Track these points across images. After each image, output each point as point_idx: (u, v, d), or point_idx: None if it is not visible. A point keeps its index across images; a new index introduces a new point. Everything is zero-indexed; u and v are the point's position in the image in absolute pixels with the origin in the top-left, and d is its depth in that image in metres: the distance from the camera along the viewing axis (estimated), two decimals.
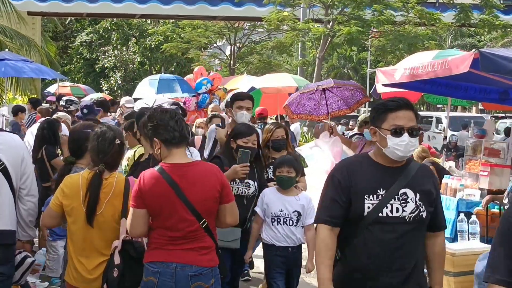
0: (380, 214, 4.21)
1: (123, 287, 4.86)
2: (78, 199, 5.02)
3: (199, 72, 19.50)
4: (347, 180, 4.29)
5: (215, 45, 39.95)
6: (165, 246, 4.74)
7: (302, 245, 6.90)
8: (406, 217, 4.24)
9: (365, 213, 4.22)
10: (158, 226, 4.76)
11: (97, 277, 5.00)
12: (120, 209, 4.98)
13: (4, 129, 9.41)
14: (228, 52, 40.04)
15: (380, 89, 11.75)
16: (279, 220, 6.69)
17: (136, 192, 4.72)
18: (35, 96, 20.43)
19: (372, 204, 4.23)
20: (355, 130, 14.18)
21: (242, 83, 21.39)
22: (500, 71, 7.82)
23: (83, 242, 5.06)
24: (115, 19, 50.48)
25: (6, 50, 17.14)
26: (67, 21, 56.28)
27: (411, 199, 4.26)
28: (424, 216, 4.30)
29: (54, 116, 12.67)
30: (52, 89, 35.79)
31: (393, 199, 4.23)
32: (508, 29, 27.81)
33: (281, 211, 6.70)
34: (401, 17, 26.87)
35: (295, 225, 6.71)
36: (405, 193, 4.26)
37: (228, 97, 19.04)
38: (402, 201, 4.25)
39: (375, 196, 4.24)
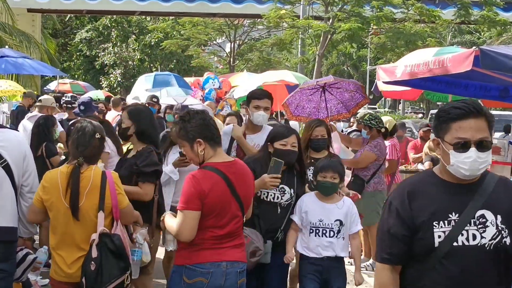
0: (455, 244, 3.49)
1: (101, 280, 4.87)
2: (57, 193, 5.08)
3: (196, 83, 19.98)
4: (407, 209, 3.57)
5: (215, 42, 39.89)
6: (213, 246, 4.73)
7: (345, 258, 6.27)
8: (486, 245, 3.52)
9: (436, 244, 3.50)
10: (211, 225, 4.72)
11: (76, 271, 5.04)
12: (97, 202, 5.01)
13: (5, 126, 9.40)
14: (228, 49, 40.02)
15: (381, 86, 11.75)
16: (317, 231, 6.05)
17: (192, 194, 4.64)
18: (36, 93, 20.40)
19: (444, 232, 3.50)
20: (354, 127, 14.16)
21: (242, 79, 21.42)
22: (501, 69, 7.82)
23: (63, 236, 5.11)
24: (114, 16, 50.50)
25: (6, 47, 17.14)
26: (67, 18, 56.30)
27: (490, 222, 3.53)
28: (508, 243, 3.54)
29: (37, 103, 12.53)
30: (52, 86, 35.83)
31: (468, 224, 3.51)
32: (508, 26, 27.81)
33: (321, 221, 6.05)
34: (401, 14, 26.87)
35: (335, 236, 6.05)
36: (482, 216, 3.53)
37: (231, 92, 19.05)
38: (480, 226, 3.52)
39: (446, 222, 3.52)
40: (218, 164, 4.77)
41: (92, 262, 4.88)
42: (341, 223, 6.07)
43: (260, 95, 7.25)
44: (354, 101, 10.62)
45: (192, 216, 4.64)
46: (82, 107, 12.67)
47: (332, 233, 6.04)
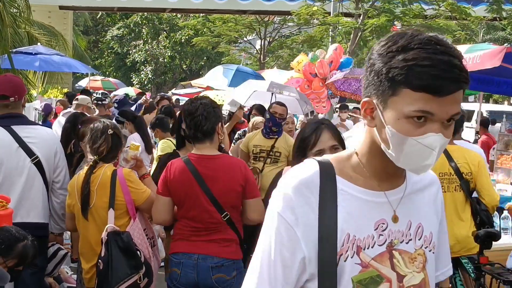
0: None
1: (111, 280, 4.77)
2: (75, 196, 5.09)
3: None
4: None
5: (245, 39, 39.89)
6: (188, 237, 4.77)
7: None
8: None
9: None
10: (182, 216, 4.81)
11: (91, 275, 5.06)
12: (108, 200, 4.98)
13: (37, 122, 9.49)
14: (258, 46, 40.00)
15: None
16: None
17: (162, 179, 4.79)
18: (66, 90, 20.58)
19: None
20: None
21: (272, 76, 21.20)
22: None
23: (83, 240, 5.14)
24: (145, 13, 50.71)
25: (38, 44, 17.29)
26: (98, 16, 56.67)
27: None
28: None
29: (74, 101, 12.70)
30: (83, 83, 36.05)
31: None
32: None
33: None
34: (432, 11, 26.68)
35: None
36: None
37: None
38: None
39: None
40: (193, 156, 4.80)
41: (100, 261, 4.83)
42: None
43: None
44: None
45: (160, 200, 4.81)
46: (116, 104, 12.75)
47: None
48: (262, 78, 17.62)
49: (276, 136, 8.14)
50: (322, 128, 3.61)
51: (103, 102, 13.25)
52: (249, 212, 4.86)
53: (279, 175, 7.01)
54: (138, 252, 4.88)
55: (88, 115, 10.15)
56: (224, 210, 4.76)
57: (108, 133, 5.09)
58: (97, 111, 12.94)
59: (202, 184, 4.72)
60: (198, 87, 22.85)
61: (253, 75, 17.88)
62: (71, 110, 11.36)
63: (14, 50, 14.07)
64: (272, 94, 11.70)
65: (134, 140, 8.72)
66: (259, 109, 10.81)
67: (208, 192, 4.72)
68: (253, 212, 4.84)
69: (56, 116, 13.40)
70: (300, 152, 3.58)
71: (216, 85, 18.87)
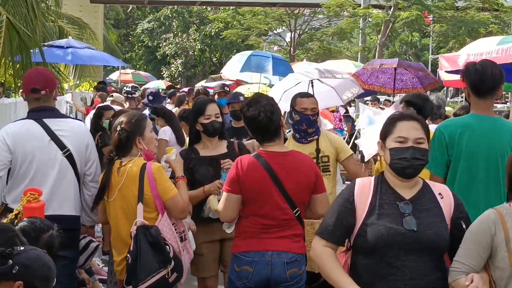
0: None
1: (139, 274, 4.78)
2: None
3: None
4: None
5: (275, 31, 39.85)
6: (258, 235, 4.77)
7: None
8: None
9: None
10: (251, 213, 4.79)
11: (122, 268, 5.08)
12: (137, 194, 4.96)
13: (69, 115, 9.55)
14: (288, 39, 39.94)
15: (443, 76, 11.59)
16: None
17: (233, 177, 4.76)
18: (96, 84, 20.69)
19: None
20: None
21: (302, 69, 21.08)
22: None
23: (114, 232, 5.17)
24: (175, 6, 50.86)
25: (70, 37, 17.41)
26: (129, 9, 56.96)
27: None
28: None
29: (108, 98, 12.85)
30: (114, 76, 36.30)
31: None
32: None
33: None
34: (463, 2, 26.47)
35: None
36: None
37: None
38: None
39: None
40: (265, 152, 4.80)
41: (128, 255, 4.86)
42: None
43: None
44: (427, 80, 10.46)
45: (230, 198, 4.76)
46: (150, 97, 12.81)
47: None
48: (281, 59, 17.02)
49: (316, 137, 6.26)
50: None
51: (133, 95, 13.32)
52: (317, 207, 4.92)
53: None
54: (168, 247, 4.87)
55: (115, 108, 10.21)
56: (296, 206, 4.79)
57: (117, 129, 5.09)
58: (127, 104, 13.03)
59: (276, 181, 4.73)
60: (228, 80, 22.82)
61: (269, 58, 16.62)
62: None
63: (46, 43, 14.19)
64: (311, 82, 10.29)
65: (165, 133, 8.76)
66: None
67: (282, 189, 4.73)
68: (322, 207, 4.88)
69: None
70: None
71: (229, 74, 18.59)
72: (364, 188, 3.79)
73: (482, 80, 4.93)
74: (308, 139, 6.23)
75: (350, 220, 3.74)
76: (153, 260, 4.80)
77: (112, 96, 12.18)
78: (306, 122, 6.15)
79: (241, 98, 8.74)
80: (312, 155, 6.07)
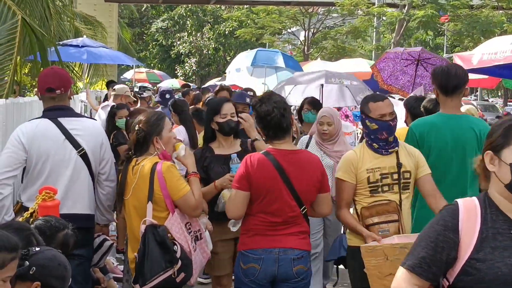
0: None
1: (146, 273, 4.76)
2: None
3: None
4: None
5: (289, 30, 39.85)
6: (265, 232, 4.82)
7: None
8: None
9: None
10: (258, 211, 4.82)
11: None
12: (147, 193, 4.94)
13: (83, 114, 9.58)
14: (302, 38, 39.92)
15: None
16: None
17: (242, 174, 4.80)
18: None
19: None
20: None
21: (316, 67, 21.08)
22: None
23: (130, 231, 5.16)
24: (190, 5, 50.93)
25: (84, 36, 17.48)
26: (143, 8, 57.07)
27: None
28: None
29: (112, 93, 12.68)
30: (128, 75, 36.38)
31: None
32: None
33: None
34: (478, 1, 26.39)
35: None
36: None
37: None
38: None
39: None
40: (274, 150, 4.83)
41: (135, 255, 4.86)
42: None
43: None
44: None
45: (239, 195, 4.80)
46: (167, 96, 12.74)
47: None
48: (291, 58, 17.27)
49: (396, 148, 5.23)
50: None
51: (142, 95, 13.33)
52: (322, 206, 4.99)
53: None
54: (176, 246, 4.83)
55: (127, 105, 10.15)
56: (303, 204, 4.84)
57: (135, 128, 5.07)
58: (138, 104, 13.02)
59: (285, 179, 4.76)
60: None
61: (278, 52, 17.37)
62: (109, 103, 11.40)
63: (61, 42, 14.25)
64: (322, 86, 10.37)
65: (180, 132, 8.71)
66: (312, 103, 8.51)
67: (290, 186, 4.77)
68: (327, 206, 5.00)
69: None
70: None
71: (232, 79, 18.53)
72: (470, 213, 2.88)
73: (448, 79, 5.46)
74: (389, 150, 5.21)
75: (452, 254, 2.86)
76: (160, 260, 4.78)
77: (114, 90, 11.88)
78: (386, 129, 5.15)
79: (247, 99, 8.57)
80: (393, 169, 5.15)
